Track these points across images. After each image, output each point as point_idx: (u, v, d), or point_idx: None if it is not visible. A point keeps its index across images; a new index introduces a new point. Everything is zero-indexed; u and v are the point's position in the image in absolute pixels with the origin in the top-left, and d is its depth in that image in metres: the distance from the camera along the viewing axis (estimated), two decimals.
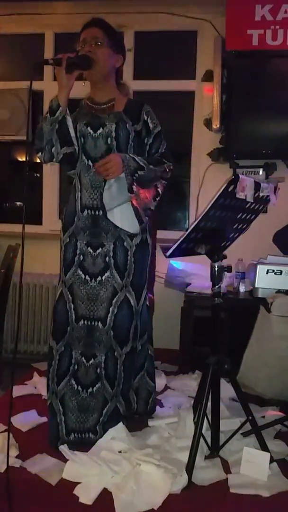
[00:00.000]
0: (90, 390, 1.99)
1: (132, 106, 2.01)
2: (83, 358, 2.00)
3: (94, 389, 1.99)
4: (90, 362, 1.99)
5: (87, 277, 1.98)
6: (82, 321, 1.99)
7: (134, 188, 1.89)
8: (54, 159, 1.94)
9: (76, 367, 2.00)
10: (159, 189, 2.03)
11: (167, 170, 2.04)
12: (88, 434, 2.00)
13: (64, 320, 2.02)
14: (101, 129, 1.94)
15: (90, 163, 1.95)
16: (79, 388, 1.99)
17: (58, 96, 1.90)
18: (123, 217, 1.95)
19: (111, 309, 1.98)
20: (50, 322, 2.11)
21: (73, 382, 1.99)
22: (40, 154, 1.97)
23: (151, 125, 2.01)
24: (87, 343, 1.99)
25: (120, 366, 2.01)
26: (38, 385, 2.71)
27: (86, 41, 1.92)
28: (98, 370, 1.99)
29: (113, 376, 2.00)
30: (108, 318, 1.98)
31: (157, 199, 2.02)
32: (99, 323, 1.98)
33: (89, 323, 1.99)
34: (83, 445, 1.96)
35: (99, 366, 1.99)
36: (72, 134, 1.92)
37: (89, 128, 1.94)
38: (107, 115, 1.97)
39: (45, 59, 1.81)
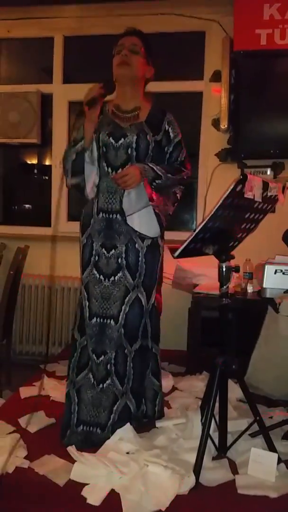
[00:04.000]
0: (100, 386, 2.05)
1: (154, 116, 2.07)
2: (94, 355, 2.06)
3: (105, 385, 2.04)
4: (100, 359, 2.05)
5: (101, 276, 2.06)
6: (95, 319, 2.07)
7: (154, 197, 1.98)
8: (67, 187, 2.09)
9: (90, 362, 2.08)
10: (177, 195, 2.11)
11: (185, 177, 2.12)
12: (96, 429, 2.04)
13: (84, 316, 2.12)
14: (122, 140, 2.01)
15: (109, 170, 2.04)
16: (95, 382, 2.06)
17: (84, 129, 1.96)
18: (142, 222, 2.04)
19: (123, 307, 2.05)
20: (75, 316, 2.22)
21: (91, 375, 2.07)
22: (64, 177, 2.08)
23: (172, 135, 2.08)
24: (98, 341, 2.06)
25: (129, 363, 2.07)
26: (46, 386, 2.71)
27: (124, 46, 2.01)
28: (108, 367, 2.04)
29: (123, 373, 2.05)
30: (120, 316, 2.04)
31: (175, 204, 2.11)
32: (112, 320, 2.05)
33: (101, 320, 2.06)
34: (89, 439, 2.02)
35: (110, 362, 2.04)
36: (87, 159, 1.99)
37: (111, 139, 2.02)
38: (129, 126, 2.04)
39: (82, 109, 1.88)
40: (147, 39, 2.08)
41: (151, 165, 1.99)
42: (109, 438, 2.00)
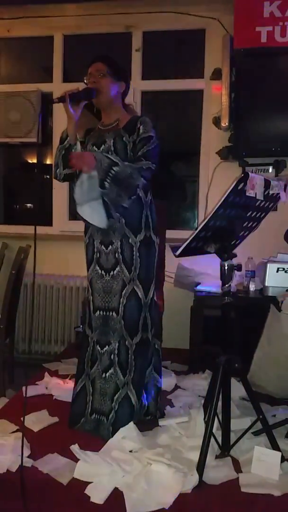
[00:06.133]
0: (104, 375, 2.17)
1: (132, 122, 2.21)
2: (97, 346, 2.19)
3: (107, 375, 2.16)
4: (105, 349, 2.17)
5: (102, 272, 2.19)
6: (98, 312, 2.20)
7: (107, 184, 1.98)
8: (58, 178, 2.25)
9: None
10: (137, 188, 2.13)
11: (145, 167, 2.09)
12: (103, 417, 2.15)
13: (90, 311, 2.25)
14: (103, 146, 2.18)
15: None
16: (100, 373, 2.19)
17: (67, 127, 2.14)
18: (93, 212, 2.10)
19: (121, 300, 2.16)
20: (83, 313, 2.39)
21: (99, 367, 2.20)
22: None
23: (141, 130, 2.17)
24: (102, 332, 2.18)
25: (131, 356, 2.15)
26: (49, 385, 2.72)
27: (91, 74, 2.18)
28: (112, 357, 2.16)
29: (125, 364, 2.15)
30: (120, 309, 2.15)
31: (132, 197, 2.11)
32: (113, 312, 2.17)
33: (104, 313, 2.18)
34: (97, 428, 2.13)
35: (113, 352, 2.16)
36: None
37: (94, 147, 2.20)
38: (107, 133, 2.20)
39: (50, 99, 2.10)
40: (111, 60, 2.22)
41: (105, 154, 2.08)
42: (111, 428, 2.07)
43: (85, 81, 2.19)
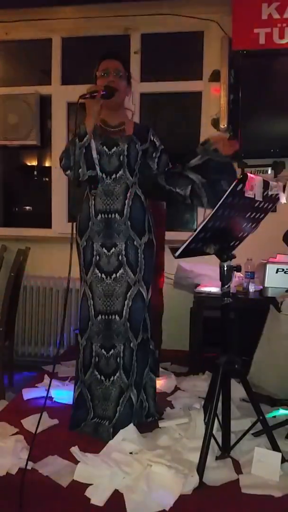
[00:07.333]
0: (112, 378, 2.15)
1: (140, 130, 2.26)
2: (102, 350, 2.16)
3: (115, 377, 2.15)
4: (110, 353, 2.16)
5: (103, 275, 2.16)
6: (100, 316, 2.17)
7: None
8: (80, 178, 2.16)
9: (97, 359, 2.18)
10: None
11: None
12: (105, 421, 2.14)
13: (86, 316, 2.20)
14: (114, 148, 2.16)
15: (104, 175, 2.17)
16: (102, 378, 2.17)
17: (86, 124, 2.08)
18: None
19: (126, 302, 2.14)
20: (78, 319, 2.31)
21: (96, 372, 2.18)
22: (68, 172, 2.15)
23: (157, 143, 2.26)
24: (106, 336, 2.16)
25: (134, 357, 2.16)
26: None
27: (108, 72, 2.15)
28: (118, 360, 2.15)
29: (129, 366, 2.15)
30: (124, 311, 2.14)
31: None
32: (116, 316, 2.14)
33: (106, 317, 2.16)
34: (97, 429, 2.12)
35: (119, 356, 2.15)
36: (95, 155, 2.11)
37: (104, 147, 2.16)
38: (119, 137, 2.20)
39: (83, 94, 2.01)
40: (126, 61, 2.27)
41: None
42: (111, 430, 2.06)
43: (97, 74, 2.17)
